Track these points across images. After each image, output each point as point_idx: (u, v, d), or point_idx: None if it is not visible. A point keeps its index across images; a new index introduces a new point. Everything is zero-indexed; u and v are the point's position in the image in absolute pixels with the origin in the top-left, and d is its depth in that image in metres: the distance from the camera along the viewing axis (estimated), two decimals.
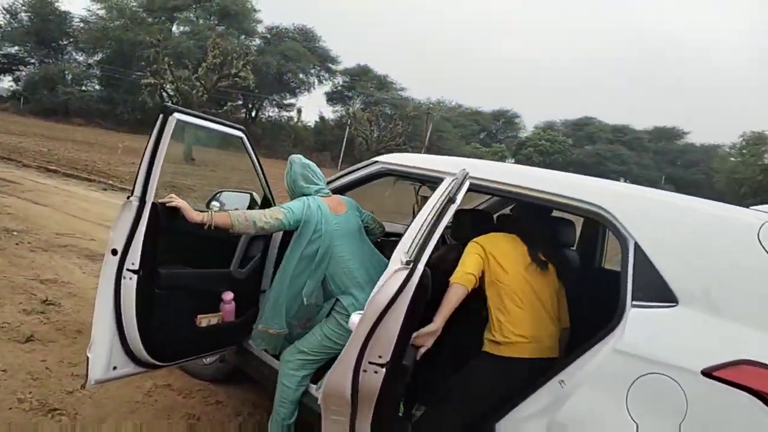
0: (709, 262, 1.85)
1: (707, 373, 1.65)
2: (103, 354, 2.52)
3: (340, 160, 52.18)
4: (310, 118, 58.63)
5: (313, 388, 2.85)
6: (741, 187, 40.24)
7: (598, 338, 2.00)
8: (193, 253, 2.80)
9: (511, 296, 2.45)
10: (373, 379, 2.00)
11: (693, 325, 1.77)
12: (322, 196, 2.92)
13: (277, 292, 2.79)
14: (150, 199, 2.48)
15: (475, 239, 2.63)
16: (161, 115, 2.43)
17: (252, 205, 3.27)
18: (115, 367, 2.58)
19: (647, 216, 2.04)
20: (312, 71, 58.23)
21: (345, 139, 51.46)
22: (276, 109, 57.91)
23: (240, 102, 49.77)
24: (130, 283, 2.49)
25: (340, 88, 63.19)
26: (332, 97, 63.27)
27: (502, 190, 2.47)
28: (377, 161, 3.06)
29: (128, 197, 2.47)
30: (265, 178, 3.13)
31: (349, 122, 48.87)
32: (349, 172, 3.17)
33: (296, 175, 2.95)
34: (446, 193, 2.18)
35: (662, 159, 64.19)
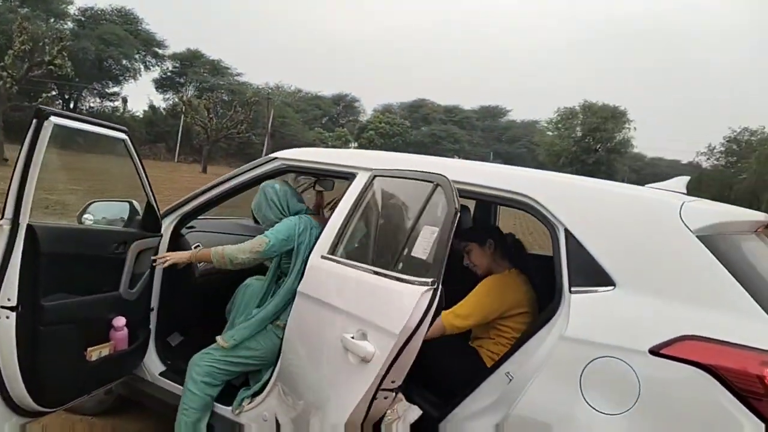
0: (639, 243, 1.94)
1: (654, 351, 1.73)
2: None
3: (177, 152, 49.23)
4: (138, 107, 54.15)
5: (227, 410, 2.63)
6: (559, 158, 44.80)
7: (537, 327, 2.03)
8: (77, 276, 2.41)
9: None
10: (383, 404, 1.87)
11: (633, 306, 1.84)
12: (310, 214, 2.80)
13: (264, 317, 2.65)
14: (25, 220, 2.06)
15: (493, 281, 2.59)
16: (35, 120, 2.02)
17: (132, 214, 2.88)
18: None
19: (574, 202, 2.10)
20: (136, 56, 53.90)
21: (180, 129, 48.58)
22: (98, 99, 52.89)
23: (55, 92, 44.70)
24: (7, 322, 2.08)
25: (169, 74, 59.41)
26: (162, 84, 59.27)
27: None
28: (276, 158, 2.87)
29: None
30: (149, 183, 2.76)
31: (183, 110, 46.16)
32: (244, 171, 2.93)
33: (287, 195, 2.82)
34: (431, 199, 2.02)
35: (489, 136, 69.33)
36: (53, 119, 2.07)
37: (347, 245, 2.36)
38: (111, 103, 52.67)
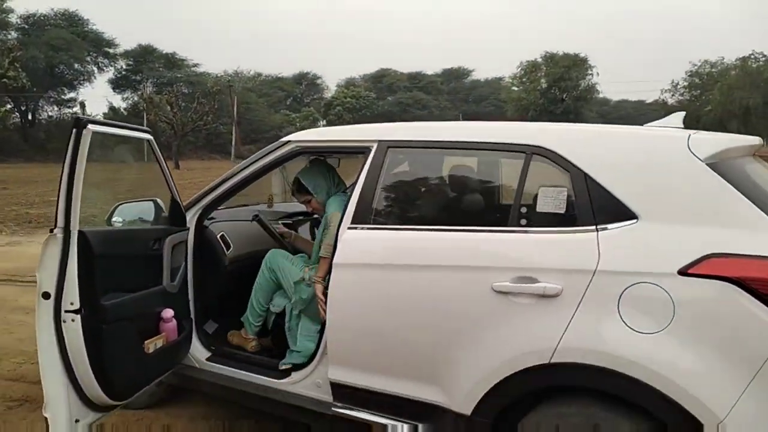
0: (654, 176, 2.11)
1: (683, 272, 1.91)
2: (62, 409, 2.27)
3: (145, 150, 48.30)
4: (98, 110, 52.69)
5: (282, 383, 2.77)
6: (528, 112, 45.14)
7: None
8: (124, 275, 2.55)
9: None
10: None
11: (657, 234, 2.01)
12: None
13: None
14: (75, 227, 2.17)
15: None
16: (74, 129, 2.12)
17: (158, 211, 2.98)
18: (77, 420, 2.33)
19: (590, 148, 2.25)
20: (88, 59, 52.45)
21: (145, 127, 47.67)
22: (55, 107, 51.53)
23: (11, 105, 43.39)
24: (73, 325, 2.21)
25: (124, 72, 58.02)
26: (118, 84, 57.95)
27: (450, 143, 2.60)
28: (290, 141, 2.95)
29: (51, 230, 2.13)
30: (172, 180, 2.86)
31: (145, 108, 45.29)
32: (259, 158, 3.01)
33: (336, 174, 3.23)
34: (530, 165, 2.31)
35: (456, 98, 69.30)
36: (91, 127, 2.17)
37: (399, 213, 2.67)
38: (69, 110, 51.37)
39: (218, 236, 3.26)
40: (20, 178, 22.87)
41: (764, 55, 34.37)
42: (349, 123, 55.66)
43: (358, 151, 2.76)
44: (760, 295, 1.80)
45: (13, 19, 48.00)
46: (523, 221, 2.26)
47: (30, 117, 47.71)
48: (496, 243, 2.28)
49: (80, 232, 2.21)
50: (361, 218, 2.53)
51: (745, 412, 1.80)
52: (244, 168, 3.04)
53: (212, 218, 3.38)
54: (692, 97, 41.69)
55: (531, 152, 2.31)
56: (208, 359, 3.04)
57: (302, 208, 3.70)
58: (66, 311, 2.20)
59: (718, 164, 2.04)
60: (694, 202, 2.03)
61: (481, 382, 2.20)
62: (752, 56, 34.98)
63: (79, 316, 2.21)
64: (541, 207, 2.23)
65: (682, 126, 2.55)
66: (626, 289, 1.98)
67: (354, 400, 2.54)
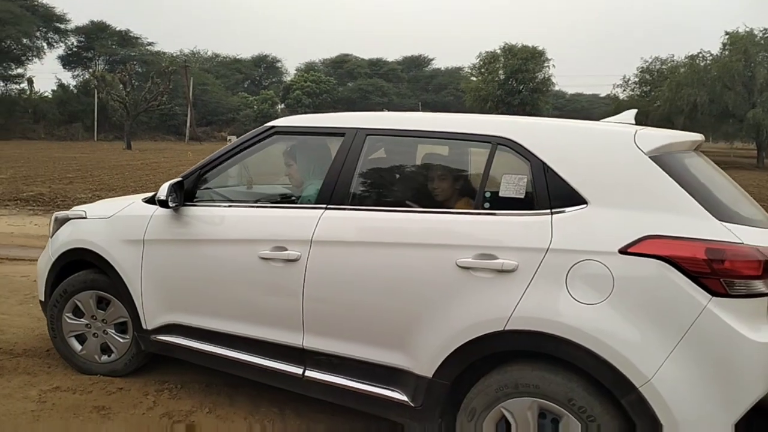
0: (603, 167, 2.37)
1: (623, 251, 2.18)
2: None
3: (96, 130, 47.08)
4: (47, 87, 50.94)
5: None
6: (486, 102, 45.62)
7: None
8: None
9: None
10: None
11: (603, 218, 2.27)
12: None
13: None
14: None
15: None
16: None
17: None
18: None
19: (549, 141, 2.50)
20: (37, 34, 50.38)
21: (96, 106, 46.35)
22: (1, 83, 49.39)
23: None
24: None
25: (75, 49, 56.20)
26: (69, 61, 56.14)
27: (423, 132, 2.83)
28: (274, 126, 3.14)
29: None
30: None
31: (96, 86, 43.95)
32: (244, 141, 3.19)
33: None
34: (495, 154, 2.56)
35: (416, 86, 69.62)
36: None
37: (374, 196, 2.88)
38: (16, 86, 49.48)
39: None
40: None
41: (711, 54, 35.44)
42: (308, 107, 55.38)
43: (338, 135, 2.93)
44: (687, 272, 2.08)
45: None
46: (487, 204, 2.51)
47: None
48: (462, 224, 2.53)
49: None
50: (339, 200, 2.74)
51: (670, 373, 2.07)
52: (231, 151, 3.23)
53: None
54: (642, 93, 42.87)
55: (496, 143, 2.55)
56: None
57: (278, 189, 3.84)
58: None
59: (659, 157, 2.31)
60: (636, 190, 2.29)
61: (442, 348, 2.43)
62: (700, 54, 36.08)
63: None
64: (503, 192, 2.47)
65: (634, 122, 2.80)
66: (574, 265, 2.23)
67: (326, 366, 2.76)
